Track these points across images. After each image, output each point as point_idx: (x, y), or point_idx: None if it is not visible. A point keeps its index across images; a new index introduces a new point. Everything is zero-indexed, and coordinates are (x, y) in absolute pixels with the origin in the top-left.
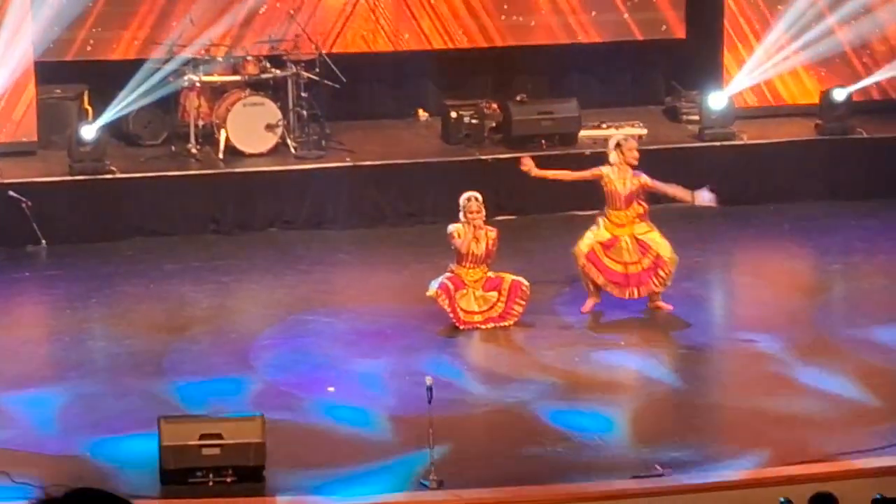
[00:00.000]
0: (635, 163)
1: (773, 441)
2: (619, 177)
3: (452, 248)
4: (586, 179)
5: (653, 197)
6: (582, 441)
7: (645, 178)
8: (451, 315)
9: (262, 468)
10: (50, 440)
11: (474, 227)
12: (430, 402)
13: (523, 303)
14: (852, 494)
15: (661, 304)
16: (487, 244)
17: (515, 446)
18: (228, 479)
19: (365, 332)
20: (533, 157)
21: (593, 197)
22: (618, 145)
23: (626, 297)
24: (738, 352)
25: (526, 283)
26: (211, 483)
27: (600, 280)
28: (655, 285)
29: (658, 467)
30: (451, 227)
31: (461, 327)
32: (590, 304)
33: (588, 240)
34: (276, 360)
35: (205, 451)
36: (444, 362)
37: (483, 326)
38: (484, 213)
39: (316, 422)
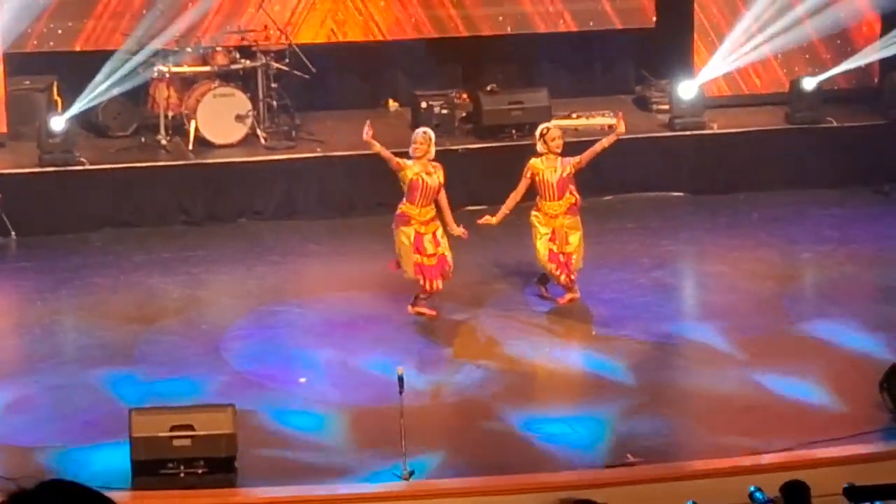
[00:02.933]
0: (559, 151)
1: (744, 430)
2: (548, 166)
3: (403, 185)
4: (528, 186)
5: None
6: (553, 431)
7: (575, 160)
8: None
9: (233, 459)
10: (20, 431)
11: (422, 161)
12: (401, 392)
13: (443, 280)
14: (823, 483)
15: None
16: (438, 177)
17: (487, 436)
18: (200, 471)
19: (336, 323)
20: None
21: None
22: (541, 135)
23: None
24: (708, 340)
25: (451, 264)
26: (182, 474)
27: (561, 278)
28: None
29: (630, 456)
30: (403, 162)
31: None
32: (568, 296)
33: (543, 247)
34: (247, 350)
35: (176, 443)
36: (415, 352)
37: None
38: (431, 149)
39: (287, 412)
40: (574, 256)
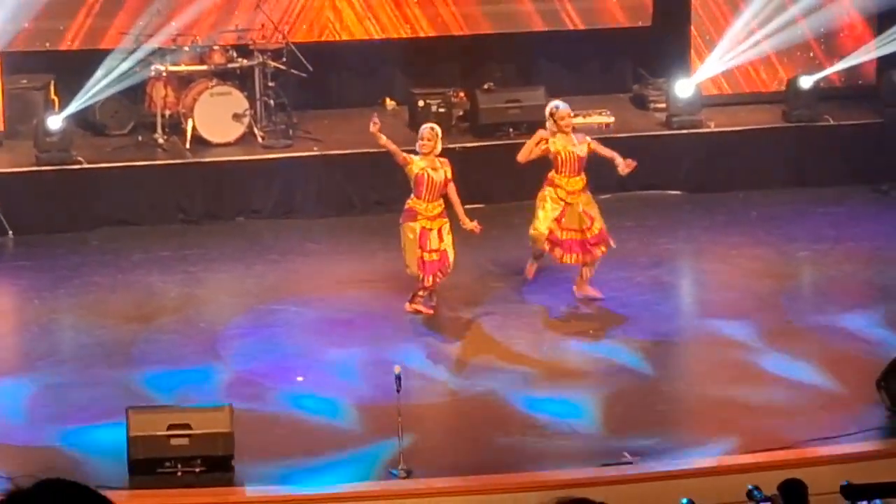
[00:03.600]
0: (569, 130)
1: (742, 428)
2: (566, 143)
3: (409, 180)
4: (537, 142)
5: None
6: (551, 429)
7: (591, 140)
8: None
9: (230, 458)
10: (19, 430)
11: (429, 157)
12: (398, 390)
13: (442, 276)
14: (821, 481)
15: (592, 291)
16: (445, 172)
17: (484, 435)
18: (197, 470)
19: (334, 321)
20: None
21: None
22: (550, 114)
23: (571, 261)
24: (707, 339)
25: (451, 261)
26: (179, 473)
27: (568, 257)
28: (593, 257)
29: (627, 455)
30: (409, 157)
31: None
32: (532, 268)
33: (544, 221)
34: (245, 349)
35: (173, 442)
36: (413, 351)
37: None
38: (438, 144)
39: (285, 411)
40: (596, 226)
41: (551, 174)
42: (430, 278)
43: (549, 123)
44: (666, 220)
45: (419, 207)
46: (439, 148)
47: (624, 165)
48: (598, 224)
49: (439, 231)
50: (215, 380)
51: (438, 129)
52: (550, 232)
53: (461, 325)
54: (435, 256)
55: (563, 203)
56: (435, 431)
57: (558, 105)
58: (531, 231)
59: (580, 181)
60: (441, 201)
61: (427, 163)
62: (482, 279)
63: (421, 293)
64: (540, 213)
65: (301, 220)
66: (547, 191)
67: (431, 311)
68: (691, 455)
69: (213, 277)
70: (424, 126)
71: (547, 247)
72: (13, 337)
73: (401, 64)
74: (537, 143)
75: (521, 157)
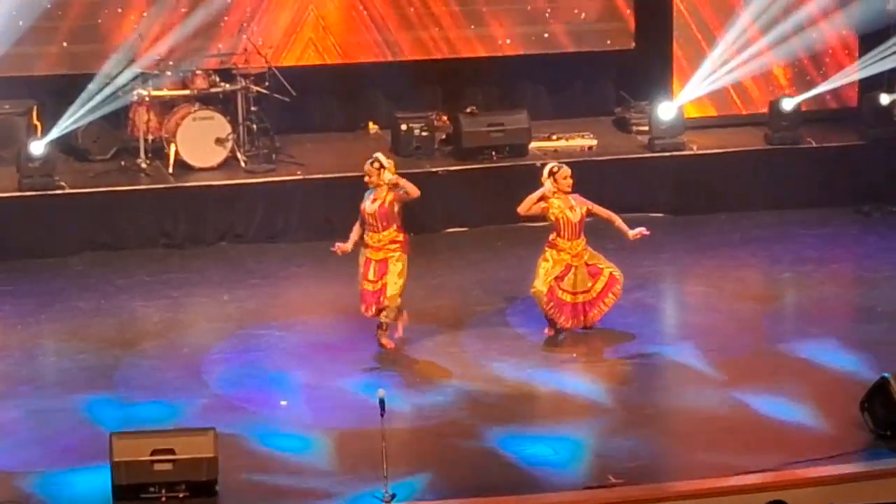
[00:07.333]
0: (569, 190)
1: (726, 451)
2: (566, 205)
3: None
4: (538, 199)
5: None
6: (534, 453)
7: (589, 203)
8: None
9: (214, 483)
10: (1, 456)
11: (378, 189)
12: (382, 414)
13: (378, 307)
14: (805, 503)
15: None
16: (382, 203)
17: (469, 459)
18: (181, 495)
19: (317, 345)
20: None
21: None
22: (551, 173)
23: (579, 326)
24: (690, 361)
25: (388, 294)
26: (163, 498)
27: (560, 319)
28: (604, 306)
29: (610, 478)
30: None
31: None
32: (550, 330)
33: (545, 277)
34: (228, 374)
35: (157, 467)
36: (397, 375)
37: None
38: (383, 175)
39: (268, 436)
40: (617, 275)
41: (553, 237)
42: (363, 307)
43: (549, 182)
44: (649, 242)
45: (366, 239)
46: (387, 178)
47: (634, 234)
48: (608, 270)
49: (384, 262)
50: (199, 404)
51: (381, 160)
52: (550, 289)
53: (444, 348)
54: (369, 287)
55: (565, 264)
56: (418, 456)
57: (560, 166)
58: (531, 290)
59: (581, 242)
60: (388, 232)
61: (368, 197)
62: (465, 302)
63: (382, 325)
64: (540, 272)
65: (284, 244)
66: (549, 252)
67: (391, 346)
68: (676, 477)
69: (196, 302)
70: (369, 160)
71: (546, 306)
72: None
73: (383, 88)
74: (538, 201)
75: (521, 209)
